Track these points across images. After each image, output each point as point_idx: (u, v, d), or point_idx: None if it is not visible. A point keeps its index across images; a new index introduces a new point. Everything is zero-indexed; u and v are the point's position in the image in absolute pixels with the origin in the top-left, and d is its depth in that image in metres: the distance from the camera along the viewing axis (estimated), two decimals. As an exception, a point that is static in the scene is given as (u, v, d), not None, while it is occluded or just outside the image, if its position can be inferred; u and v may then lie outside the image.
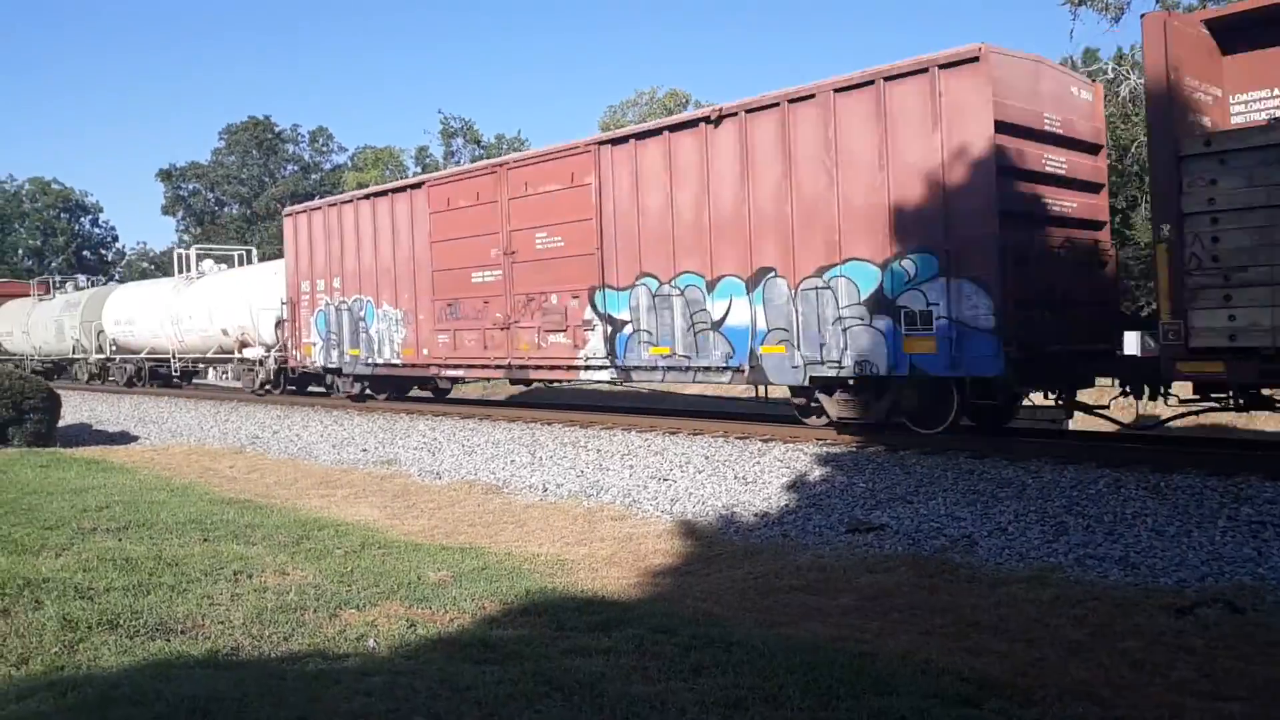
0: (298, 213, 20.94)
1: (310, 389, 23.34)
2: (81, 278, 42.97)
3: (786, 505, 9.98)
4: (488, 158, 56.33)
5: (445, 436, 15.69)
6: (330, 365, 20.10)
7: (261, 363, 23.47)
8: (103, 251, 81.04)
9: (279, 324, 22.26)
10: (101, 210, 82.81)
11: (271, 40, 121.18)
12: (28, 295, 38.03)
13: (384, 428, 17.25)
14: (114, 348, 30.96)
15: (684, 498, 10.71)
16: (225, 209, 71.40)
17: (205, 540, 8.84)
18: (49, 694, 4.68)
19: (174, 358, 27.71)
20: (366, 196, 18.86)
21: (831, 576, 7.73)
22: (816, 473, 10.83)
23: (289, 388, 23.29)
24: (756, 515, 9.85)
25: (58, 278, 39.34)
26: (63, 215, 78.68)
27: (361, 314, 18.77)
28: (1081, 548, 7.83)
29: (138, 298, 29.89)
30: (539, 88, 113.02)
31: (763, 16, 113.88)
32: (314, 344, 20.43)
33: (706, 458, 12.08)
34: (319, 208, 20.44)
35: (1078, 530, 8.18)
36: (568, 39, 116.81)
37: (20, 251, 76.36)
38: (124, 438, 20.00)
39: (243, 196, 70.28)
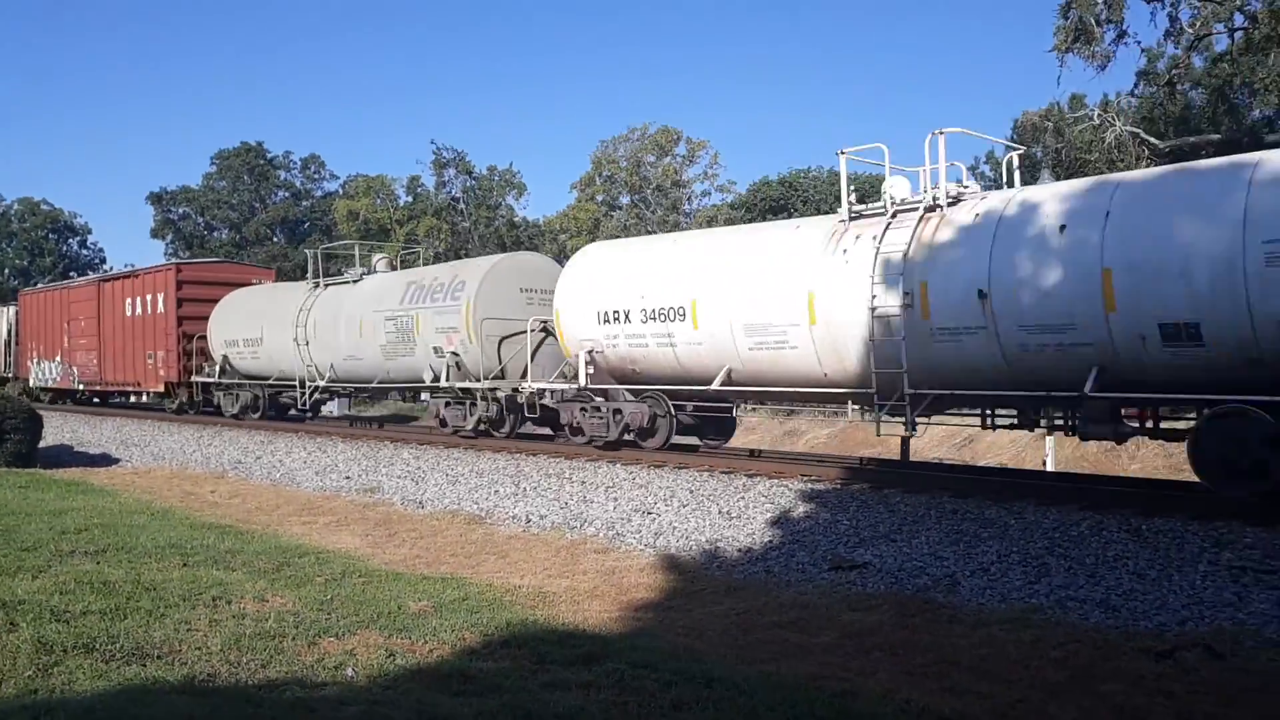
0: None
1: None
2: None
3: (770, 541, 9.97)
4: (479, 189, 56.58)
5: (429, 465, 15.63)
6: None
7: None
8: (90, 273, 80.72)
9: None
10: (90, 232, 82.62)
11: (265, 67, 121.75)
12: (252, 281, 27.15)
13: (368, 455, 17.18)
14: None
15: (668, 531, 10.69)
16: (215, 234, 71.31)
17: (184, 565, 8.76)
18: (22, 717, 4.63)
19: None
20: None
21: (814, 614, 7.72)
22: (800, 509, 10.83)
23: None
24: (740, 550, 9.84)
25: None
26: (51, 235, 78.41)
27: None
28: (1063, 589, 7.84)
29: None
30: (532, 121, 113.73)
31: (755, 58, 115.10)
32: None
33: (691, 491, 12.07)
34: None
35: (1059, 572, 8.19)
36: (563, 74, 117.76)
37: (6, 271, 76.02)
38: (105, 460, 19.85)
39: (233, 221, 70.23)
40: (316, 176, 73.15)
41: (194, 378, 25.14)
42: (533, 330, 16.51)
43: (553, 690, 5.42)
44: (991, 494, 10.62)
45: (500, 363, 17.01)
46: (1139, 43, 31.43)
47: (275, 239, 68.37)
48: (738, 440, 18.77)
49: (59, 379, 31.83)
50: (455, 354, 17.20)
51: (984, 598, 7.92)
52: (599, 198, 51.59)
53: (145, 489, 15.36)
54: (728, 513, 11.01)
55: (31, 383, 33.39)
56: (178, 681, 5.43)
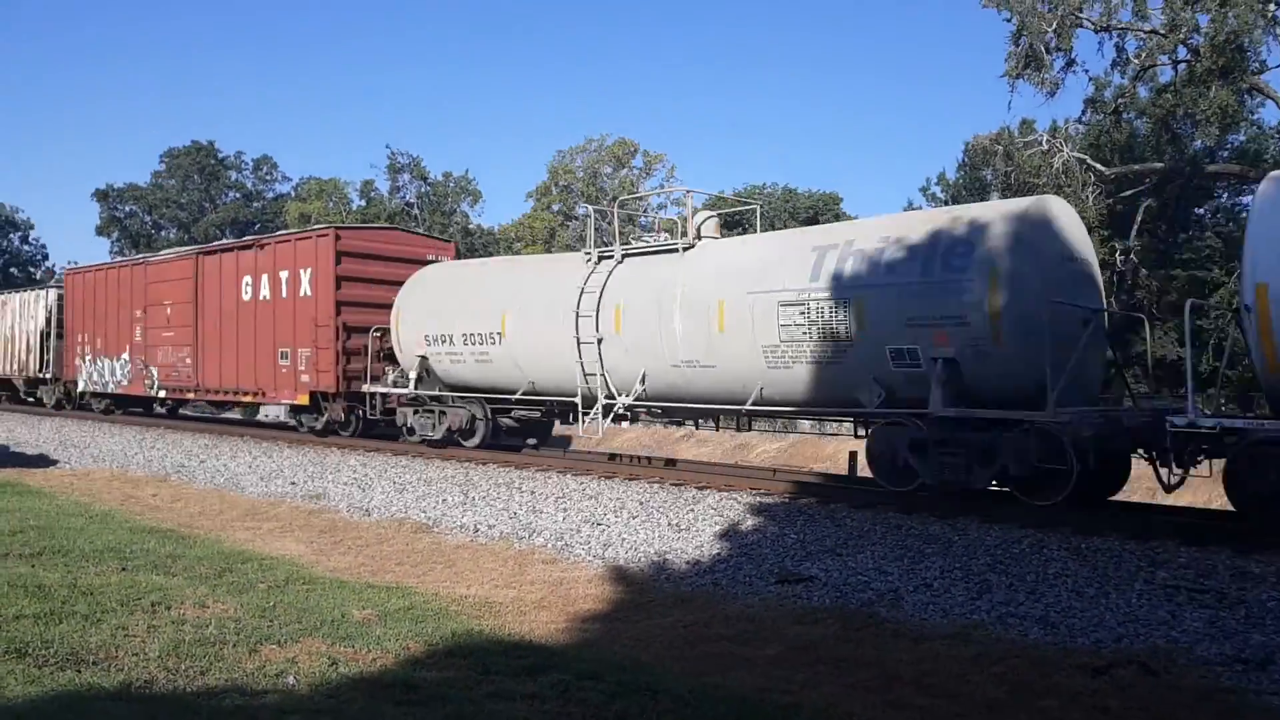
0: None
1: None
2: None
3: (718, 554, 10.02)
4: (434, 195, 56.34)
5: (376, 473, 15.49)
6: None
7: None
8: (31, 269, 78.94)
9: None
10: (33, 228, 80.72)
11: (218, 65, 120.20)
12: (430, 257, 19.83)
13: (314, 461, 16.98)
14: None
15: (617, 543, 10.69)
16: (163, 233, 70.20)
17: (123, 569, 8.60)
18: (-51, 724, 4.52)
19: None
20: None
21: (760, 627, 7.77)
22: (749, 522, 10.89)
23: None
24: (688, 563, 9.87)
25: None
26: (-9, 230, 76.65)
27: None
28: (1004, 606, 7.97)
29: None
30: (490, 129, 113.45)
31: (712, 70, 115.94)
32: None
33: (641, 503, 12.08)
34: None
35: (1000, 588, 8.32)
36: (521, 82, 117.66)
37: (-56, 265, 74.14)
38: (43, 460, 19.40)
39: (181, 221, 69.21)
40: (268, 178, 72.47)
41: (368, 387, 17.85)
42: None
43: (497, 700, 5.41)
44: (936, 510, 10.76)
45: None
46: (1087, 71, 32.36)
47: (225, 239, 67.45)
48: (691, 452, 18.82)
49: (126, 383, 24.62)
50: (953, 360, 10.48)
51: (927, 613, 8.02)
52: (555, 207, 51.63)
53: (84, 491, 15.03)
54: (677, 525, 11.04)
55: (81, 386, 26.57)
56: (114, 688, 5.34)
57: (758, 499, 11.93)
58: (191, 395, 22.97)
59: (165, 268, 23.59)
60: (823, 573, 9.13)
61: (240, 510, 13.64)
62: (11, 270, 76.24)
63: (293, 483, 15.43)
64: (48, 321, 28.70)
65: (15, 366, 30.74)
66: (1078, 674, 6.49)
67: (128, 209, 71.13)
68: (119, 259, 28.66)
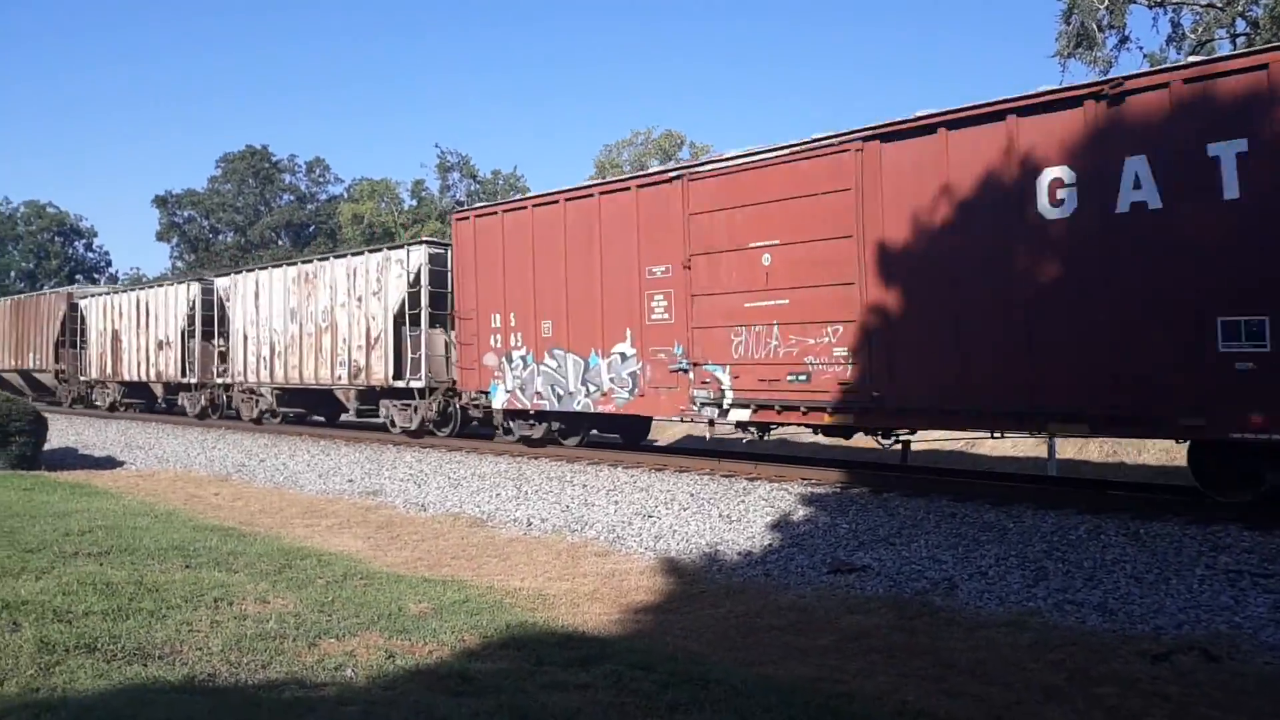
0: None
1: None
2: None
3: (770, 544, 10.00)
4: (483, 193, 56.73)
5: (431, 469, 15.68)
6: None
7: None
8: (96, 276, 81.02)
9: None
10: (96, 235, 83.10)
11: (270, 70, 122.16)
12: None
13: (370, 458, 17.23)
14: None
15: (668, 535, 10.72)
16: (220, 237, 71.59)
17: (187, 567, 8.81)
18: (23, 715, 4.68)
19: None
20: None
21: (813, 617, 7.75)
22: (800, 512, 10.86)
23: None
24: (740, 554, 9.87)
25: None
26: (57, 239, 78.85)
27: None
28: (1060, 593, 7.86)
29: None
30: (536, 125, 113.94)
31: (759, 63, 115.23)
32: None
33: (691, 495, 12.10)
34: None
35: (1057, 575, 8.21)
36: (567, 78, 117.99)
37: (13, 274, 76.32)
38: (110, 462, 19.92)
39: (238, 225, 70.50)
40: (321, 180, 73.52)
41: None
42: None
43: (551, 691, 5.45)
44: (991, 497, 10.64)
45: None
46: (1141, 48, 31.74)
47: (280, 242, 68.61)
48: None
49: (628, 395, 13.94)
50: None
51: (982, 601, 7.94)
52: (603, 202, 51.68)
53: (149, 491, 15.42)
54: (728, 516, 11.04)
55: (497, 403, 16.25)
56: (178, 681, 5.48)
57: (809, 489, 11.88)
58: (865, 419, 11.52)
59: (757, 177, 12.21)
60: (876, 562, 9.07)
61: (299, 507, 13.90)
62: (78, 277, 78.26)
63: (350, 480, 15.68)
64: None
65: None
66: (1137, 660, 6.38)
67: (186, 214, 72.62)
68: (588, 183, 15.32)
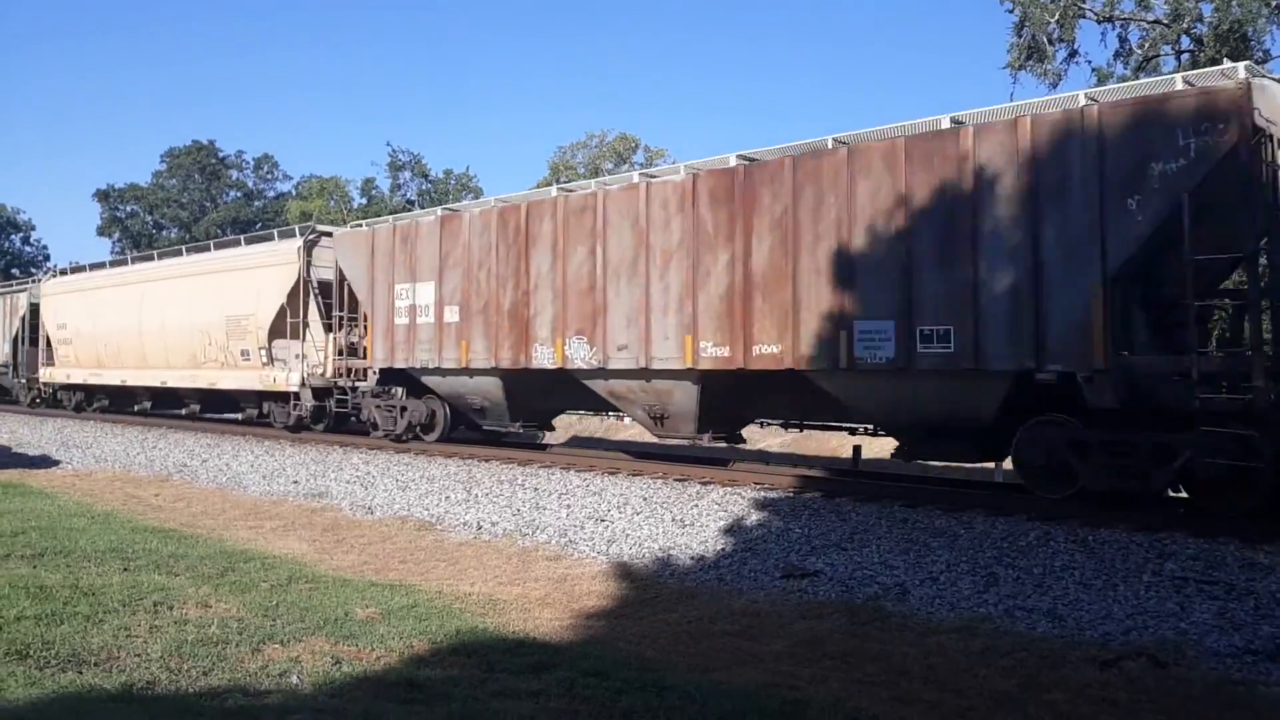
0: None
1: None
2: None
3: (723, 549, 9.97)
4: (435, 193, 56.30)
5: (379, 471, 15.45)
6: None
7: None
8: (33, 270, 79.02)
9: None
10: (34, 229, 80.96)
11: (218, 64, 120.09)
12: None
13: (316, 460, 16.95)
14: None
15: (621, 539, 10.65)
16: (164, 232, 70.22)
17: (125, 570, 8.57)
18: (-51, 727, 4.49)
19: None
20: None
21: (766, 622, 7.72)
22: (753, 517, 10.85)
23: None
24: (693, 558, 9.83)
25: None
26: (-8, 232, 76.73)
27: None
28: (1011, 599, 7.92)
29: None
30: (489, 125, 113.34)
31: (714, 66, 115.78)
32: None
33: (644, 499, 12.04)
34: None
35: (1007, 582, 8.27)
36: (521, 79, 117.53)
37: (-54, 266, 74.22)
38: (45, 461, 19.38)
39: (183, 220, 69.24)
40: (269, 177, 72.50)
41: None
42: None
43: (502, 699, 5.36)
44: (942, 503, 10.71)
45: None
46: (1090, 62, 32.32)
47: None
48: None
49: None
50: None
51: (933, 607, 7.98)
52: (556, 204, 51.54)
53: (86, 492, 15.01)
54: (681, 520, 11.00)
55: None
56: (115, 689, 5.30)
57: (762, 494, 11.88)
58: None
59: None
60: (828, 567, 9.08)
61: (243, 509, 13.61)
62: (14, 271, 76.33)
63: (295, 481, 15.40)
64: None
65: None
66: (1086, 667, 6.44)
67: (129, 209, 71.18)
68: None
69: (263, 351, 19.86)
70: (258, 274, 20.24)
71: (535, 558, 10.28)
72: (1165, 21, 25.42)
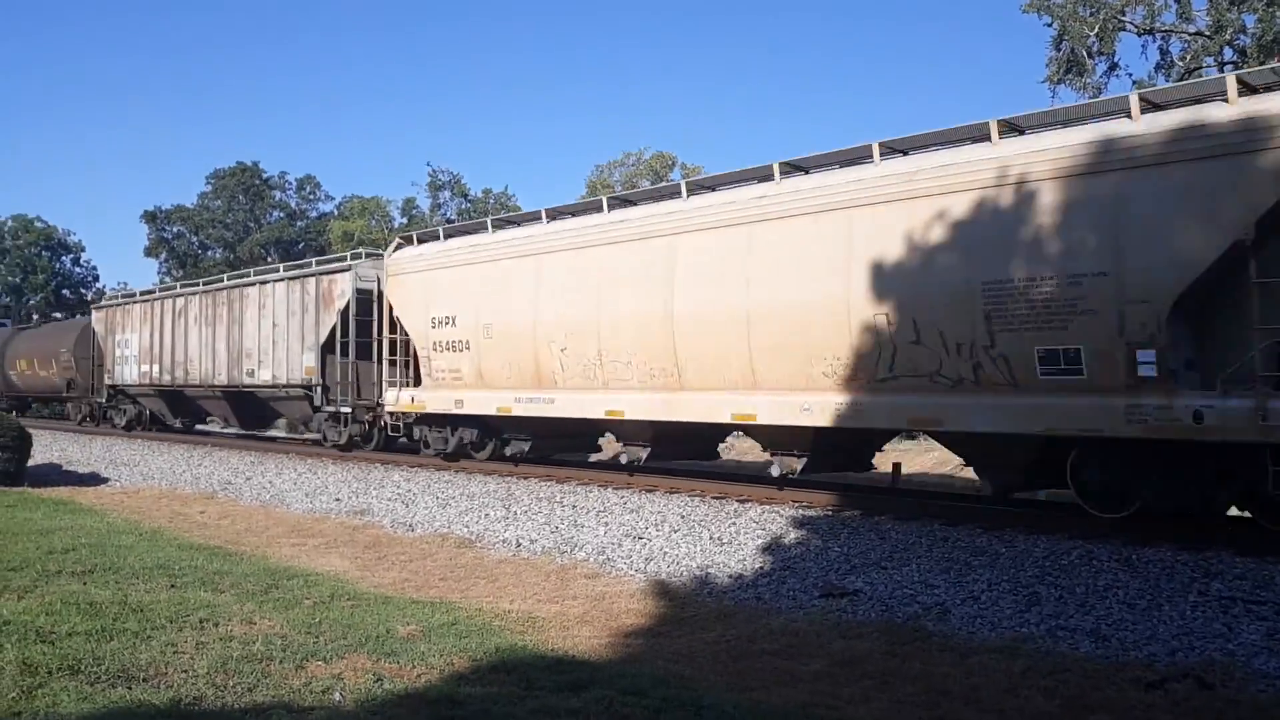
0: None
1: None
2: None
3: (761, 568, 9.95)
4: (474, 211, 56.79)
5: (420, 488, 15.58)
6: None
7: None
8: (83, 290, 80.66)
9: None
10: (84, 250, 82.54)
11: (262, 87, 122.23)
12: None
13: (358, 477, 17.13)
14: None
15: (658, 557, 10.66)
16: (209, 253, 71.41)
17: (172, 586, 8.71)
18: (4, 740, 4.59)
19: None
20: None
21: (804, 642, 7.69)
22: (792, 535, 10.81)
23: None
24: (731, 577, 9.81)
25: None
26: (44, 253, 78.40)
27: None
28: (1053, 619, 7.83)
29: None
30: (527, 145, 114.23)
31: (753, 84, 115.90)
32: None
33: (682, 517, 12.04)
34: None
35: (1050, 601, 8.18)
36: (560, 98, 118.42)
37: (-1, 287, 75.94)
38: (94, 479, 19.74)
39: (227, 241, 70.36)
40: (312, 197, 73.51)
41: None
42: None
43: (541, 716, 5.39)
44: (982, 521, 10.62)
45: None
46: (1130, 75, 31.81)
47: (269, 259, 68.47)
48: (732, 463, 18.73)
49: None
50: None
51: (974, 626, 7.90)
52: (593, 222, 51.81)
53: (134, 509, 15.27)
54: (719, 538, 10.99)
55: None
56: (163, 704, 5.39)
57: (800, 512, 11.84)
58: None
59: None
60: (867, 586, 9.03)
61: (286, 526, 13.78)
62: (64, 291, 77.93)
63: (337, 499, 15.57)
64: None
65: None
66: (1131, 688, 6.35)
67: (175, 230, 72.44)
68: None
69: None
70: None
71: (573, 575, 10.31)
72: (1208, 33, 25.15)
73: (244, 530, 13.53)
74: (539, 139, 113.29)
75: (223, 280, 24.99)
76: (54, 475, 19.69)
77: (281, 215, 72.18)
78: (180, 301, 25.49)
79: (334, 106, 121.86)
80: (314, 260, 24.20)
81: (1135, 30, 26.31)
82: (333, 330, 19.48)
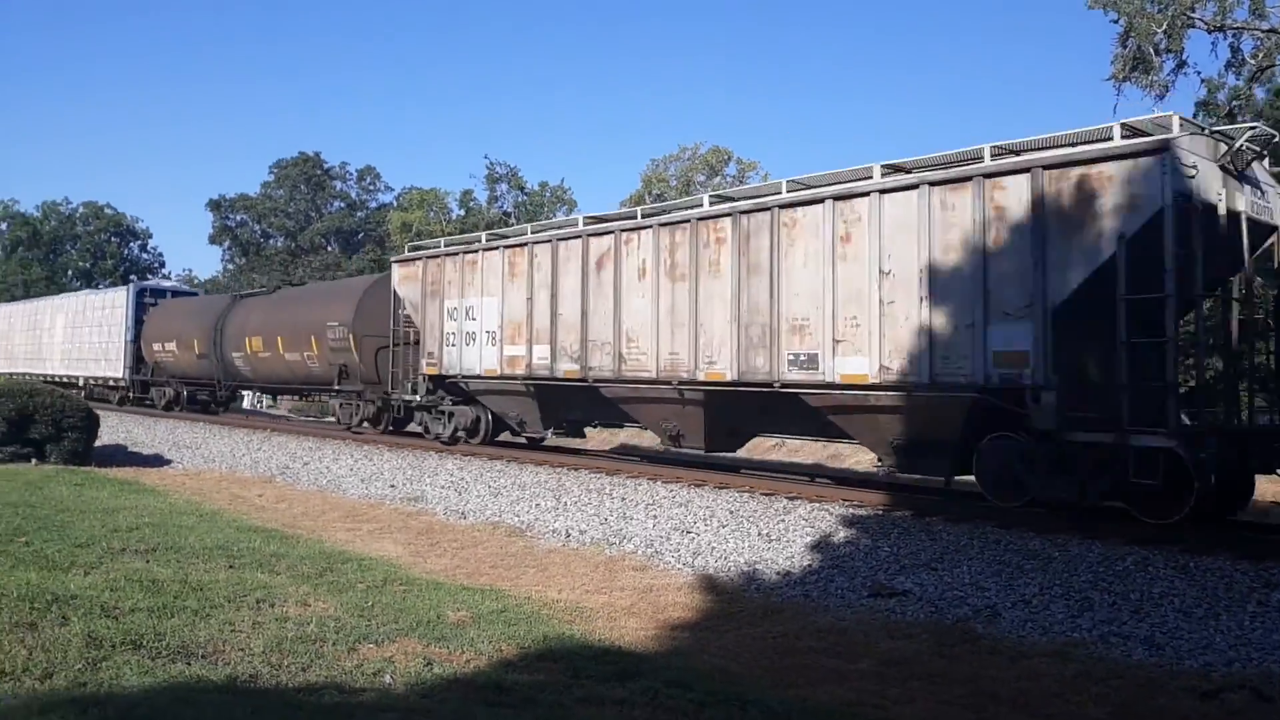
0: None
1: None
2: None
3: (809, 565, 9.92)
4: (530, 204, 57.07)
5: (473, 477, 15.75)
6: None
7: None
8: (149, 276, 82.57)
9: None
10: (151, 236, 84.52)
11: (324, 79, 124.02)
12: None
13: (412, 465, 17.36)
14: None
15: (706, 551, 10.67)
16: (271, 241, 72.57)
17: (231, 567, 8.92)
18: (70, 710, 4.74)
19: None
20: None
21: (852, 640, 7.67)
22: (841, 534, 10.77)
23: None
24: (778, 573, 9.80)
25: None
26: (113, 239, 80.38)
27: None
28: (1106, 625, 7.72)
29: None
30: (584, 138, 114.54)
31: (808, 79, 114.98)
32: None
33: (731, 512, 12.04)
34: None
35: (1103, 607, 8.06)
36: (616, 92, 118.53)
37: (70, 272, 77.94)
38: (158, 461, 20.25)
39: (288, 230, 71.44)
40: (371, 188, 74.30)
41: None
42: None
43: (587, 705, 5.44)
44: (1035, 525, 10.47)
45: None
46: (1199, 73, 31.03)
47: (330, 248, 69.46)
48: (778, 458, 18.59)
49: None
50: None
51: (1025, 630, 7.82)
52: (649, 215, 51.72)
53: (195, 491, 15.64)
54: (767, 535, 10.98)
55: None
56: (221, 681, 5.53)
57: (850, 510, 11.78)
58: None
59: None
60: (917, 587, 8.97)
61: (341, 511, 14.02)
62: (131, 277, 79.78)
63: (392, 485, 15.80)
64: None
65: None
66: (1185, 697, 6.25)
67: (239, 218, 73.74)
68: None
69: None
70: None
71: (622, 567, 10.37)
72: (1282, 30, 24.43)
73: (300, 514, 13.79)
74: (597, 133, 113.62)
75: (714, 203, 14.17)
76: (119, 456, 20.22)
77: (342, 205, 73.10)
78: (605, 241, 15.43)
79: (395, 99, 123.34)
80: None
81: (1205, 27, 25.59)
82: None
